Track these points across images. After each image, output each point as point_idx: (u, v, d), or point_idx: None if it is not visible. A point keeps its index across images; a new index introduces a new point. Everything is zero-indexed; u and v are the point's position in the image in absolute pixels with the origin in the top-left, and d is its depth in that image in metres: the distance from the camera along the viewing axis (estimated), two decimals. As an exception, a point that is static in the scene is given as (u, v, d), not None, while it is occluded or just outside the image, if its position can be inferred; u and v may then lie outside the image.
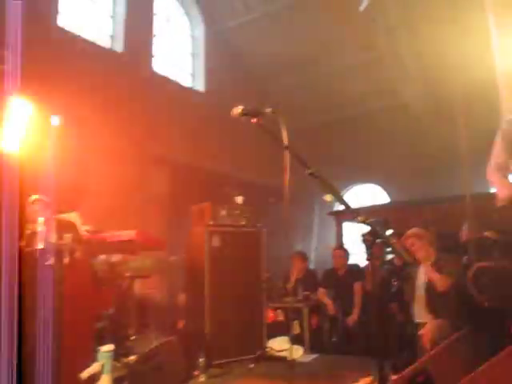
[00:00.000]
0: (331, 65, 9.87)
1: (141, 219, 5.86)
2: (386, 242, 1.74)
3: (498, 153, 3.38)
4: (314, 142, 10.67)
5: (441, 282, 4.12)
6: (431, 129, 8.83)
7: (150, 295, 5.39)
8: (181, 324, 5.28)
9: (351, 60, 9.54)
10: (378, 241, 1.73)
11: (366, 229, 1.73)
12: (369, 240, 1.70)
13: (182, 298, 5.46)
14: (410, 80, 9.08)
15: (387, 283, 5.39)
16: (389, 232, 6.12)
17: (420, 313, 4.31)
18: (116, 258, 4.26)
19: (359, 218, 1.72)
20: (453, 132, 5.95)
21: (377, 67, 9.04)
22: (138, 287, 4.74)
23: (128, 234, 4.34)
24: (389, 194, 10.52)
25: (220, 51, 9.77)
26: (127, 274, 4.32)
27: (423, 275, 4.35)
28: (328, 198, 7.20)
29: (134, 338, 4.12)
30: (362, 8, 6.85)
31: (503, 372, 2.58)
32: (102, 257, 4.15)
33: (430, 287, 4.22)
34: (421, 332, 4.12)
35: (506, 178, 3.33)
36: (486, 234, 5.23)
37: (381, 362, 1.79)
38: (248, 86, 10.15)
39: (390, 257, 5.84)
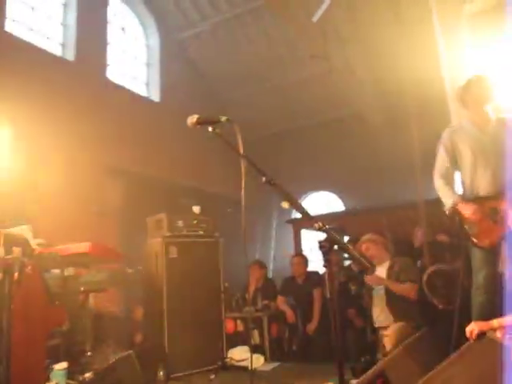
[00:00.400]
0: (286, 75, 10.02)
1: (96, 231, 5.70)
2: (343, 249, 1.76)
3: (440, 162, 3.55)
4: (271, 152, 10.77)
5: (407, 292, 4.20)
6: (385, 138, 9.10)
7: (107, 309, 5.25)
8: (139, 337, 5.17)
9: (306, 71, 9.72)
10: (335, 247, 1.75)
11: (323, 236, 1.75)
12: (325, 246, 1.72)
13: (139, 311, 5.34)
14: (362, 91, 9.33)
15: (345, 289, 5.47)
16: (345, 238, 6.25)
17: (380, 317, 4.38)
18: (70, 271, 4.13)
19: (316, 225, 1.74)
20: (406, 141, 6.16)
21: (330, 79, 9.24)
22: (94, 301, 4.60)
23: (82, 247, 4.20)
24: (344, 201, 10.72)
25: (175, 61, 9.72)
26: (82, 289, 4.18)
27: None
28: (285, 204, 7.19)
29: (89, 354, 3.99)
30: (315, 19, 6.98)
31: (456, 372, 2.64)
32: (55, 271, 4.01)
33: (388, 291, 4.31)
34: (385, 333, 4.19)
35: (450, 185, 3.48)
36: (438, 237, 5.43)
37: (340, 368, 1.80)
38: (203, 96, 10.13)
39: (347, 263, 5.93)
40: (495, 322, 2.60)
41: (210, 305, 4.83)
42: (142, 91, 9.18)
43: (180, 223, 4.79)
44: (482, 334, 2.62)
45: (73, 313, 4.07)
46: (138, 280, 5.11)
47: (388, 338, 3.99)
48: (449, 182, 3.50)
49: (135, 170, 7.66)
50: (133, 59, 9.29)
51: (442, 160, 3.57)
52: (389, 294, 4.27)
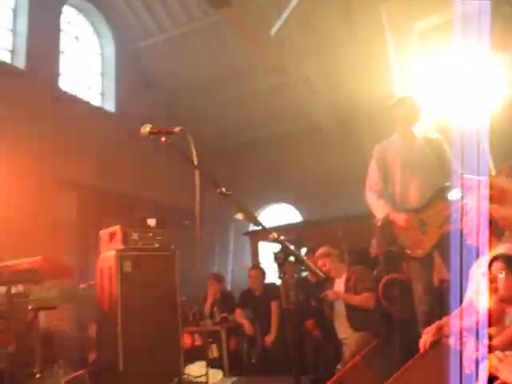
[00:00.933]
0: (243, 87, 10.07)
1: (47, 245, 5.49)
2: (298, 260, 1.75)
3: (372, 177, 3.68)
4: (228, 164, 10.77)
5: (365, 302, 4.24)
6: (340, 150, 9.25)
7: (58, 327, 5.03)
8: (92, 356, 4.97)
9: (262, 83, 9.80)
10: (291, 259, 1.74)
11: (278, 247, 1.74)
12: (280, 258, 1.71)
13: (92, 327, 5.15)
14: (318, 104, 9.49)
15: (302, 301, 5.48)
16: (303, 250, 6.29)
17: (341, 328, 4.40)
18: (17, 288, 3.93)
19: (270, 237, 1.73)
20: (360, 153, 6.28)
21: (287, 91, 9.36)
22: (44, 320, 4.40)
23: (32, 262, 4.01)
24: (301, 213, 10.80)
25: (131, 71, 9.59)
26: (30, 307, 3.98)
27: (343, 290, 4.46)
28: (239, 216, 7.19)
29: (39, 376, 3.79)
30: (273, 32, 7.07)
31: (412, 378, 2.68)
32: (1, 288, 3.81)
33: (348, 303, 4.34)
34: (345, 341, 4.21)
35: (382, 198, 3.60)
36: (393, 248, 5.54)
37: (298, 380, 1.78)
38: (160, 107, 10.03)
39: (304, 274, 5.95)
40: (446, 330, 2.66)
41: (166, 320, 4.70)
42: (96, 102, 8.98)
43: (135, 236, 4.66)
44: (435, 341, 2.67)
45: (20, 333, 3.87)
46: (90, 295, 4.93)
47: (348, 349, 4.01)
48: (380, 195, 3.63)
49: (89, 181, 7.46)
50: (87, 69, 9.09)
51: (373, 174, 3.72)
52: (348, 305, 4.30)
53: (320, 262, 4.53)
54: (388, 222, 3.51)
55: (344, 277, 4.45)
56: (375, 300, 4.18)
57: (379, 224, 3.60)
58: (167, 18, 9.20)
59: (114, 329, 4.36)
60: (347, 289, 4.38)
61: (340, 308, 4.44)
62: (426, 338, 2.70)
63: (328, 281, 4.57)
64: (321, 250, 4.62)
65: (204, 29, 9.33)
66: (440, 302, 3.08)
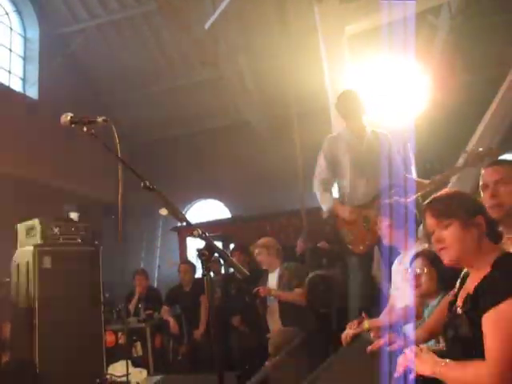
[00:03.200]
0: (176, 80, 9.90)
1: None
2: (222, 257, 1.72)
3: (320, 169, 3.73)
4: (158, 157, 10.55)
5: (297, 298, 4.26)
6: (271, 147, 9.35)
7: (-34, 328, 4.67)
8: (5, 357, 4.67)
9: (196, 77, 9.68)
10: (215, 255, 1.71)
11: (202, 244, 1.71)
12: (205, 255, 1.67)
13: (6, 327, 4.83)
14: (250, 100, 9.53)
15: (231, 296, 5.48)
16: (231, 245, 6.26)
17: (274, 324, 4.41)
18: None
19: (195, 233, 1.68)
20: (290, 150, 6.37)
21: (220, 86, 9.31)
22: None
23: None
24: (230, 209, 10.80)
25: (57, 57, 9.07)
26: None
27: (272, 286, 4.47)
28: (163, 211, 7.07)
29: None
30: (207, 26, 6.99)
31: (336, 372, 2.75)
32: None
33: (281, 303, 4.35)
34: (268, 336, 4.22)
35: (329, 191, 3.67)
36: (319, 244, 5.68)
37: (221, 376, 1.77)
38: (88, 95, 9.61)
39: (232, 270, 5.95)
40: (366, 324, 2.75)
41: (88, 317, 4.50)
42: (16, 87, 8.42)
43: (56, 230, 4.41)
44: (356, 336, 2.76)
45: None
46: (5, 294, 4.62)
47: (272, 344, 4.04)
48: (327, 188, 3.69)
49: (6, 171, 6.99)
50: (6, 51, 8.50)
51: (321, 167, 3.75)
52: (281, 302, 4.32)
53: (256, 251, 4.51)
54: (333, 215, 3.56)
55: (277, 272, 4.46)
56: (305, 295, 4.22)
57: (325, 216, 3.65)
58: (98, 3, 8.82)
59: (30, 329, 4.11)
60: (281, 286, 4.38)
61: (273, 304, 4.45)
62: (347, 331, 2.78)
63: (262, 276, 4.57)
64: (262, 240, 4.57)
65: (137, 17, 9.07)
66: (375, 298, 3.17)
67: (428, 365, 1.59)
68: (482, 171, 2.12)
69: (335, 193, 3.80)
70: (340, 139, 3.76)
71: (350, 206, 3.58)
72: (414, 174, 4.17)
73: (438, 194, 1.70)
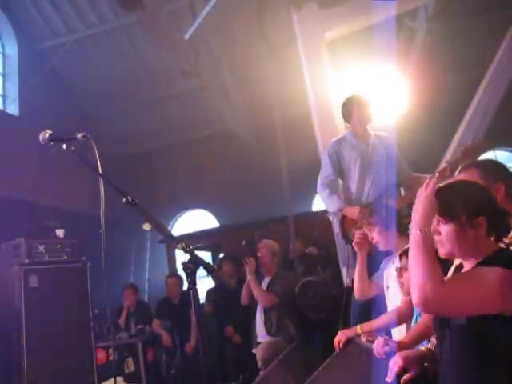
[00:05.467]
0: (157, 91, 9.87)
1: None
2: (208, 269, 1.71)
3: (326, 172, 3.75)
4: (143, 169, 10.49)
5: (266, 299, 4.25)
6: (257, 155, 9.35)
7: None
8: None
9: (177, 87, 9.67)
10: (201, 268, 1.69)
11: (187, 257, 1.69)
12: (190, 268, 1.66)
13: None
14: (234, 109, 9.53)
15: (222, 307, 5.45)
16: (220, 255, 6.22)
17: (259, 333, 4.40)
18: None
19: (179, 246, 1.67)
20: (276, 158, 6.38)
21: (203, 96, 9.30)
22: None
23: None
24: (218, 218, 10.76)
25: (37, 73, 8.98)
26: None
27: None
28: (146, 226, 7.11)
29: None
30: (187, 36, 6.98)
31: (329, 377, 2.74)
32: None
33: (266, 311, 4.34)
34: (254, 351, 4.20)
35: (336, 194, 3.68)
36: (307, 250, 5.68)
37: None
38: (69, 111, 9.51)
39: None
40: (359, 329, 2.75)
41: (77, 335, 4.44)
42: (-4, 104, 8.34)
43: (41, 248, 4.36)
44: (349, 341, 2.75)
45: None
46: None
47: (259, 355, 4.02)
48: (334, 190, 3.70)
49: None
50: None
51: (326, 170, 3.77)
52: (264, 311, 4.32)
53: (261, 253, 4.51)
54: (342, 217, 3.57)
55: (268, 280, 4.47)
56: (275, 303, 4.20)
57: (331, 218, 3.65)
58: (76, 18, 8.77)
59: (17, 350, 4.04)
60: (268, 290, 4.41)
61: (258, 315, 4.45)
62: (340, 336, 2.77)
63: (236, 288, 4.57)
64: (270, 243, 4.62)
65: (116, 30, 9.03)
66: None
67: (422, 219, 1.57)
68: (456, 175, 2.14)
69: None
70: (344, 142, 3.80)
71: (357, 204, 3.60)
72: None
73: (446, 184, 1.68)
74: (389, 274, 2.94)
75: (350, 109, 3.84)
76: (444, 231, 1.60)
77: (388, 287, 2.94)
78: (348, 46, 6.32)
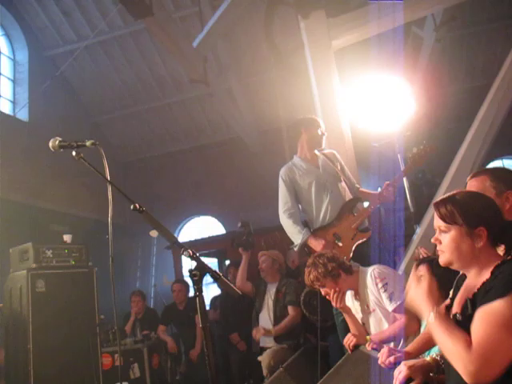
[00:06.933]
0: (166, 98, 9.95)
1: None
2: (214, 277, 1.71)
3: (284, 200, 3.73)
4: (151, 175, 10.55)
5: (292, 320, 4.26)
6: (263, 162, 9.36)
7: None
8: (0, 384, 4.59)
9: (185, 94, 9.73)
10: (207, 275, 1.71)
11: (194, 264, 1.70)
12: (196, 275, 1.67)
13: (1, 354, 4.76)
14: (241, 116, 9.57)
15: (227, 313, 5.44)
16: (227, 262, 6.21)
17: (266, 340, 4.40)
18: None
19: (185, 253, 1.68)
20: (281, 162, 6.37)
21: (211, 103, 9.35)
22: None
23: None
24: (224, 225, 10.76)
25: (47, 79, 9.07)
26: None
27: (271, 303, 4.47)
28: (153, 233, 7.13)
29: None
30: (195, 44, 7.04)
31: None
32: None
33: (276, 318, 4.36)
34: (259, 358, 4.20)
35: (299, 224, 3.65)
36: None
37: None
38: (78, 116, 9.61)
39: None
40: (367, 338, 2.76)
41: (83, 341, 4.45)
42: (6, 109, 8.41)
43: (49, 253, 4.39)
44: (356, 347, 2.75)
45: None
46: (-2, 319, 4.56)
47: (264, 362, 4.02)
48: (296, 220, 3.68)
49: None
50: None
51: (284, 197, 3.75)
52: (274, 317, 4.33)
53: (262, 258, 4.54)
54: (307, 247, 3.58)
55: (275, 286, 4.48)
56: (300, 312, 4.22)
57: (296, 250, 3.67)
58: (86, 25, 8.87)
59: (24, 355, 4.06)
60: (276, 300, 4.41)
61: (265, 319, 4.45)
62: (350, 338, 2.78)
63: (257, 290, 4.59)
64: (272, 251, 4.68)
65: (125, 37, 9.12)
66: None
67: (426, 306, 1.58)
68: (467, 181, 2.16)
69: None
70: (296, 168, 3.81)
71: (318, 227, 3.62)
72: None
73: (451, 193, 1.69)
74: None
75: (297, 132, 3.85)
76: (444, 240, 1.62)
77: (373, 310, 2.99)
78: (355, 53, 6.34)
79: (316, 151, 3.85)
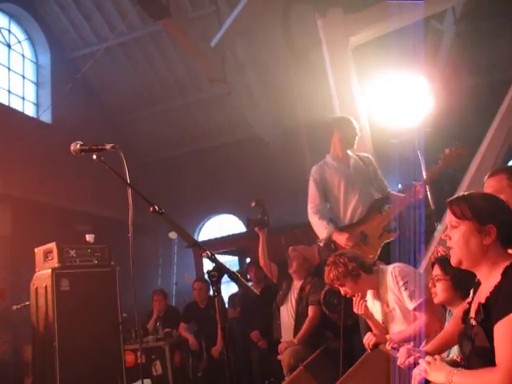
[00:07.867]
0: (185, 97, 10.02)
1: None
2: (233, 278, 1.74)
3: (313, 198, 3.77)
4: (171, 174, 10.63)
5: (313, 322, 4.25)
6: (283, 160, 9.37)
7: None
8: (28, 381, 4.72)
9: (204, 93, 9.79)
10: (225, 276, 1.73)
11: (212, 265, 1.73)
12: (215, 276, 1.70)
13: (28, 351, 4.89)
14: (260, 114, 9.59)
15: (248, 310, 5.47)
16: (247, 260, 6.23)
17: (287, 339, 4.41)
18: None
19: (204, 255, 1.71)
20: (301, 160, 6.38)
21: (230, 101, 9.39)
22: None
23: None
24: (244, 223, 10.79)
25: (69, 82, 9.23)
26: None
27: (294, 301, 4.46)
28: (172, 235, 7.23)
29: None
30: (213, 43, 7.08)
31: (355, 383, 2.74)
32: None
33: (298, 317, 4.36)
34: (279, 358, 4.21)
35: (325, 219, 3.68)
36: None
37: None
38: (99, 118, 9.75)
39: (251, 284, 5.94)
40: (387, 337, 2.75)
41: (107, 339, 4.54)
42: (29, 112, 8.60)
43: (72, 253, 4.49)
44: (375, 346, 2.75)
45: None
46: (25, 317, 4.69)
47: (285, 361, 4.03)
48: (323, 215, 3.72)
49: (23, 195, 7.11)
50: (18, 78, 8.69)
51: (313, 195, 3.80)
52: (296, 317, 4.34)
53: (292, 255, 4.52)
54: (332, 242, 3.60)
55: (299, 284, 4.48)
56: (320, 312, 4.21)
57: (322, 244, 3.70)
58: (106, 27, 9.00)
59: (50, 351, 4.16)
60: (299, 298, 4.41)
61: (286, 319, 4.46)
62: (370, 337, 2.77)
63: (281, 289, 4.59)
64: (304, 249, 4.63)
65: (144, 38, 9.22)
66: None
67: (442, 374, 1.60)
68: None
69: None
70: (327, 166, 3.86)
71: (345, 226, 3.65)
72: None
73: (466, 193, 1.72)
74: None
75: (330, 131, 3.88)
76: (454, 236, 1.63)
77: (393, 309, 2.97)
78: (374, 50, 6.28)
79: (349, 152, 3.87)
